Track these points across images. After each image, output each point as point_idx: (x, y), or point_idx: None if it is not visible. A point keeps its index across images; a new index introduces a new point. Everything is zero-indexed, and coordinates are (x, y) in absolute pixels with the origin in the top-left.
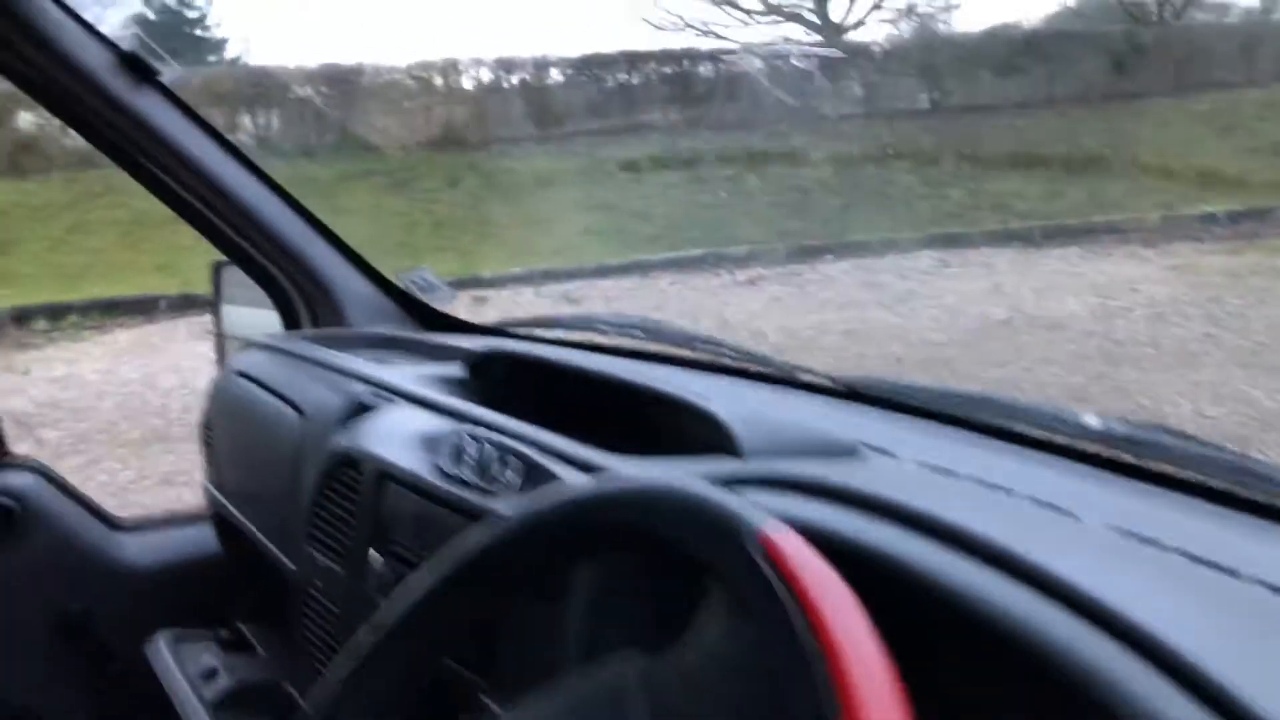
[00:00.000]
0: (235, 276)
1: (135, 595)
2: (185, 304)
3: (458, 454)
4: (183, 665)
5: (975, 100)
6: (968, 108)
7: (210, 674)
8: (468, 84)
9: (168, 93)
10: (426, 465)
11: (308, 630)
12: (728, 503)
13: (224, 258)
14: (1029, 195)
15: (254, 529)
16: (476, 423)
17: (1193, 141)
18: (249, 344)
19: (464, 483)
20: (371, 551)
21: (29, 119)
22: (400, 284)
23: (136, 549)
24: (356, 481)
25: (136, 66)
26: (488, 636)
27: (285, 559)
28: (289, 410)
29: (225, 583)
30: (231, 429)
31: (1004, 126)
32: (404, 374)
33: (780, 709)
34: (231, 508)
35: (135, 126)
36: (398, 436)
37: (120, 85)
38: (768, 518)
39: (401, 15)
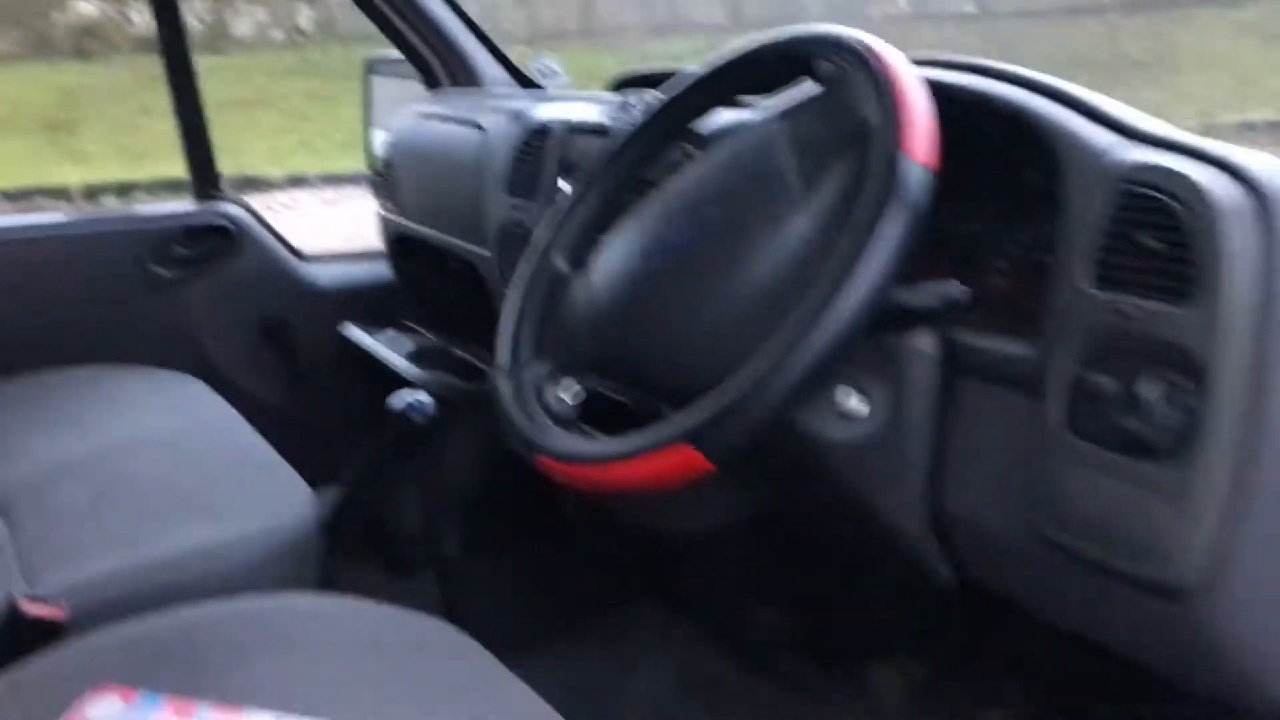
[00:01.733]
0: (381, 80)
1: (319, 307)
2: (245, 184)
3: (625, 106)
4: (372, 337)
5: (1022, 6)
6: (1015, 13)
7: (392, 341)
8: None
9: None
10: (605, 116)
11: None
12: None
13: (373, 55)
14: None
15: (438, 233)
16: None
17: (1236, 50)
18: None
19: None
20: (561, 181)
21: (87, 6)
22: (525, 70)
23: (319, 273)
24: (546, 141)
25: None
26: None
27: (471, 245)
28: (471, 129)
29: (396, 298)
30: (412, 158)
31: (1048, 32)
32: (558, 109)
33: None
34: (413, 224)
35: None
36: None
37: None
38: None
39: None
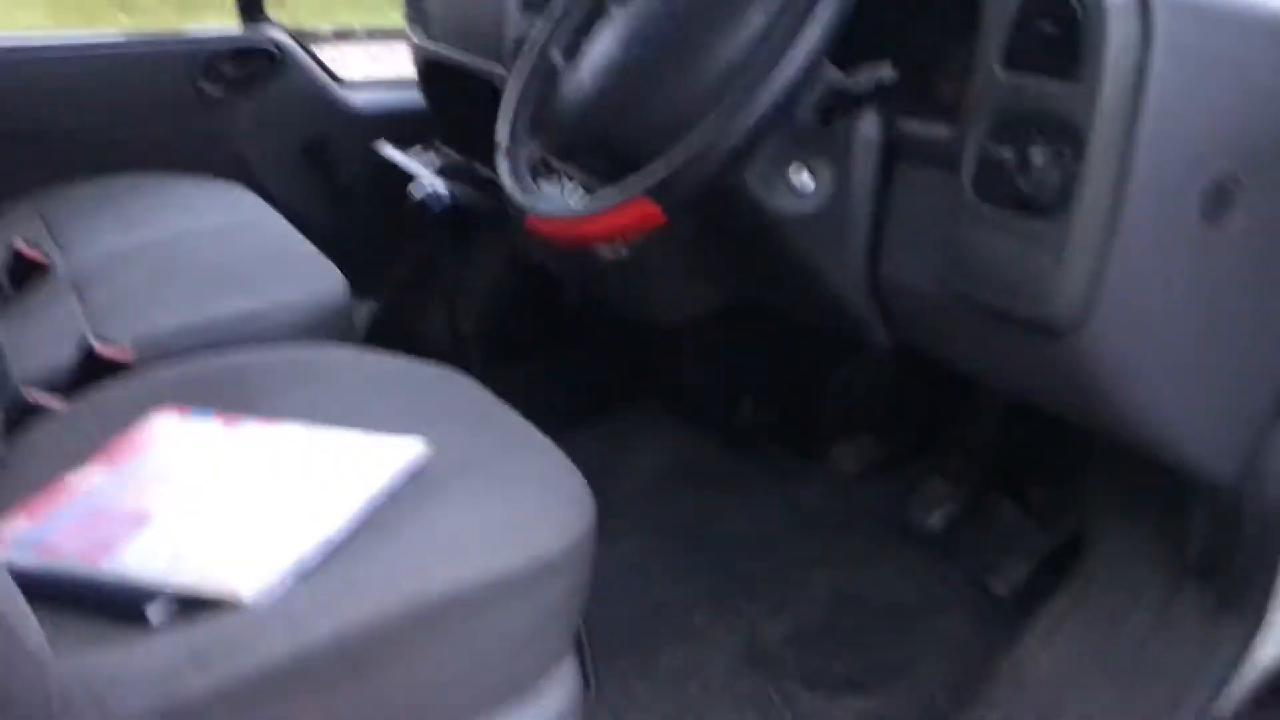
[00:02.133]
0: None
1: (356, 128)
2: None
3: None
4: (404, 154)
5: None
6: None
7: (422, 159)
8: None
9: None
10: None
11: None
12: None
13: None
14: None
15: (463, 54)
16: None
17: None
18: None
19: None
20: None
21: None
22: None
23: (357, 97)
24: None
25: None
26: None
27: (491, 65)
28: None
29: (427, 121)
30: None
31: None
32: None
33: None
34: (441, 48)
35: None
36: None
37: None
38: None
39: None
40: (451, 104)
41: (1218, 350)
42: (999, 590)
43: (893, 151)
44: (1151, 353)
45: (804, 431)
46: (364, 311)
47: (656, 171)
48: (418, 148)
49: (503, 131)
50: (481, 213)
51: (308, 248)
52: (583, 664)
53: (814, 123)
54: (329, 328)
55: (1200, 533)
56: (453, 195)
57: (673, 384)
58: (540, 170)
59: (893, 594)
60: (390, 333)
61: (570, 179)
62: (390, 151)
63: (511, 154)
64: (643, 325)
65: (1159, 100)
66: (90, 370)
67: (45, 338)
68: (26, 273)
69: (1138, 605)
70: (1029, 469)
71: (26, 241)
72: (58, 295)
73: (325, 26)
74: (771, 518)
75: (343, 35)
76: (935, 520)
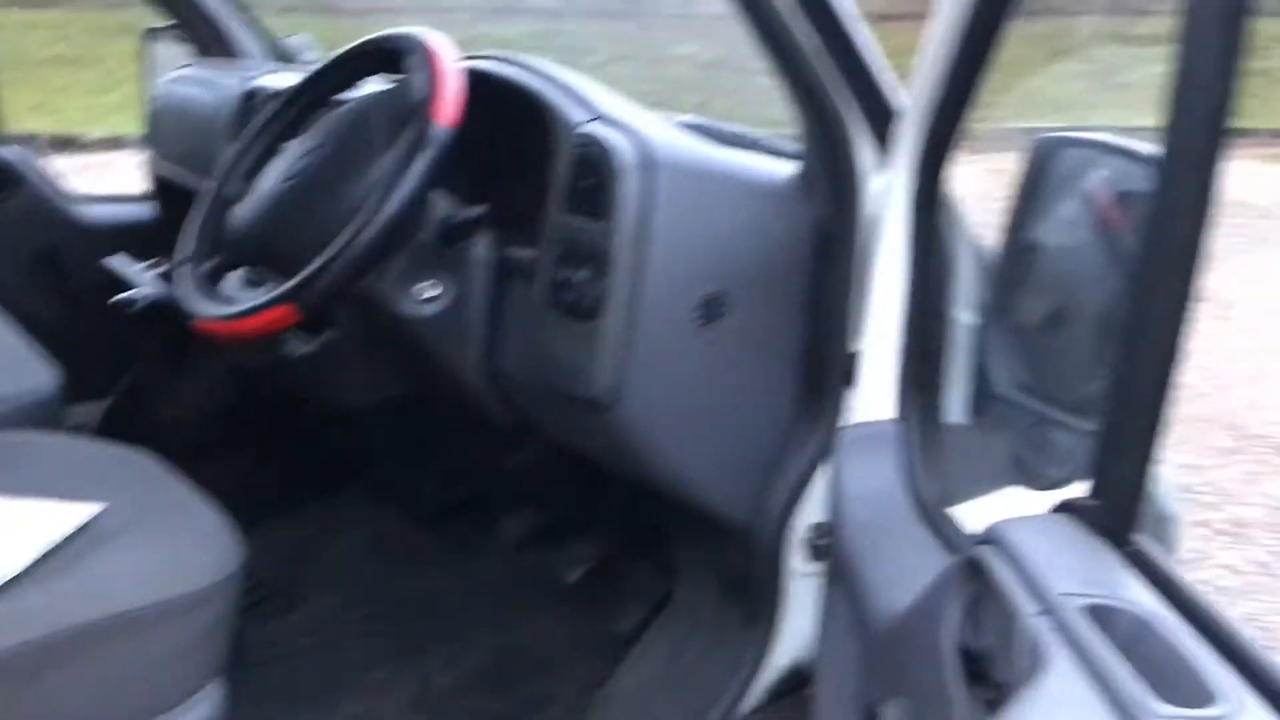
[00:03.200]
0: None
1: (91, 241)
2: (62, 143)
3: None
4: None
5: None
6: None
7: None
8: None
9: None
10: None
11: None
12: (416, 32)
13: (152, 25)
14: None
15: (187, 171)
16: None
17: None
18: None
19: None
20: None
21: None
22: (283, 44)
23: (92, 211)
24: (255, 102)
25: None
26: None
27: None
28: (206, 92)
29: (160, 233)
30: (169, 112)
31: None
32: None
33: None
34: (170, 166)
35: None
36: (281, 81)
37: None
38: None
39: None
40: (180, 217)
41: (724, 419)
42: (622, 630)
43: (504, 269)
44: (673, 423)
45: (478, 507)
46: (96, 409)
47: (293, 283)
48: (152, 262)
49: (185, 247)
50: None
51: (20, 345)
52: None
53: (436, 245)
54: (36, 418)
55: (732, 563)
56: (164, 298)
57: (370, 470)
58: (222, 276)
59: (545, 643)
60: (118, 426)
61: (251, 281)
62: (116, 264)
63: (192, 264)
64: (338, 416)
65: (663, 236)
66: None
67: None
68: None
69: (699, 629)
70: (654, 527)
71: None
72: None
73: (95, 133)
74: (450, 584)
75: (112, 142)
76: (577, 575)
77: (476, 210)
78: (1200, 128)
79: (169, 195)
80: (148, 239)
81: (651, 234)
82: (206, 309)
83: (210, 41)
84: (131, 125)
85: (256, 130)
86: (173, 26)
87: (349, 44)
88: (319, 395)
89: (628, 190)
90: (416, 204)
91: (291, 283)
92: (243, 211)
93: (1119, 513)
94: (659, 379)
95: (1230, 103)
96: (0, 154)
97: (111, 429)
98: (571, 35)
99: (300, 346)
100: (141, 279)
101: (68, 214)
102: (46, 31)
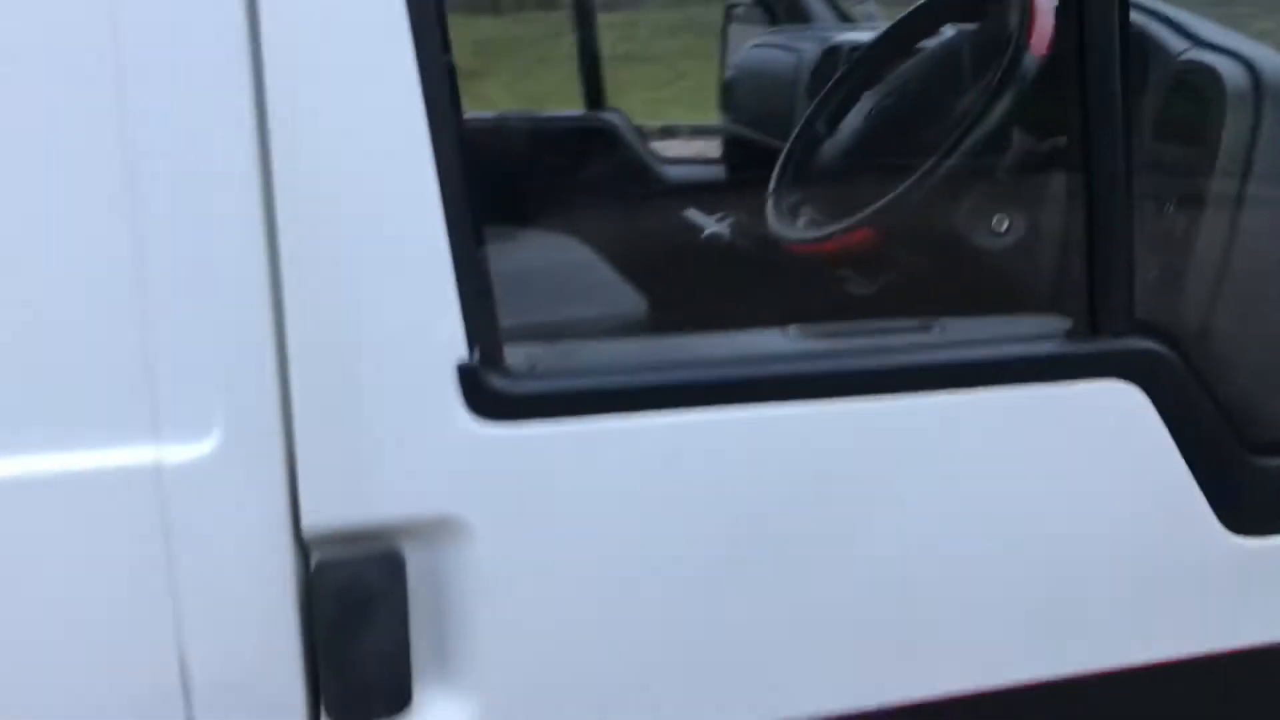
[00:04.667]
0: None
1: (671, 196)
2: None
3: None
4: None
5: None
6: None
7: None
8: None
9: None
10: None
11: None
12: None
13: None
14: None
15: (761, 135)
16: None
17: None
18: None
19: None
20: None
21: None
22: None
23: (672, 171)
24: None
25: None
26: None
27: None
28: (786, 53)
29: (728, 193)
30: (754, 78)
31: None
32: (845, 37)
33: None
34: (746, 128)
35: None
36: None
37: None
38: None
39: None
40: (747, 178)
41: None
42: None
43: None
44: None
45: None
46: None
47: (875, 204)
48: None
49: (774, 183)
50: None
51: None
52: None
53: (1013, 177)
54: None
55: None
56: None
57: None
58: (801, 211)
59: None
60: None
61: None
62: (692, 215)
63: (778, 198)
64: None
65: (1263, 166)
66: None
67: None
68: None
69: None
70: None
71: None
72: None
73: (652, 123)
74: None
75: (668, 131)
76: None
77: (1053, 142)
78: None
79: (739, 158)
80: (717, 195)
81: (1252, 165)
82: (792, 234)
83: (783, 13)
84: (684, 116)
85: (839, 80)
86: (751, 4)
87: None
88: None
89: (1234, 119)
90: (1000, 133)
91: (873, 207)
92: (827, 151)
93: None
94: None
95: None
96: (606, 118)
97: None
98: None
99: (861, 287)
100: (714, 226)
101: (655, 172)
102: (616, 31)
